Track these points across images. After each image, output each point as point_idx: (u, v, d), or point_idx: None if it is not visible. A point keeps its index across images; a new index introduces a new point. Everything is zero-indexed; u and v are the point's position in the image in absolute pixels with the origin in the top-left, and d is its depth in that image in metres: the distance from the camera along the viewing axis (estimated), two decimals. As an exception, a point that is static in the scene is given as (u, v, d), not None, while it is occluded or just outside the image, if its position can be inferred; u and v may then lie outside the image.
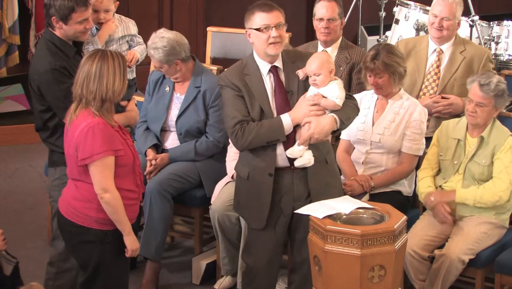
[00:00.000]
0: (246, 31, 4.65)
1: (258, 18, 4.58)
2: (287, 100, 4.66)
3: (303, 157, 4.62)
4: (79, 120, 4.33)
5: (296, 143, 4.61)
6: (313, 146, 4.64)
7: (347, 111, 4.65)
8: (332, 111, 4.62)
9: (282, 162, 4.67)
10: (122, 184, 4.37)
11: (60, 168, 4.83)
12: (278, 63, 4.68)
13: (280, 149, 4.66)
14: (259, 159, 4.66)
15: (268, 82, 4.66)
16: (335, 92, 4.60)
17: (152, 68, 6.37)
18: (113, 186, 4.32)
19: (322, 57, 4.65)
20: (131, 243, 4.42)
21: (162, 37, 5.59)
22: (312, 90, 4.64)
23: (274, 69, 4.67)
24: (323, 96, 4.60)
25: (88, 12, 4.75)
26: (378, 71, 5.23)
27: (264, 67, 4.67)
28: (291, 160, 4.66)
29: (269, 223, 4.73)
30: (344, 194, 5.09)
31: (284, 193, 4.70)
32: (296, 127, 4.63)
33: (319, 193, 4.70)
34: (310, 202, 4.66)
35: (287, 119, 4.60)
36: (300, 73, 4.65)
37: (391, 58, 5.22)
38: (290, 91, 4.67)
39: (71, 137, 4.37)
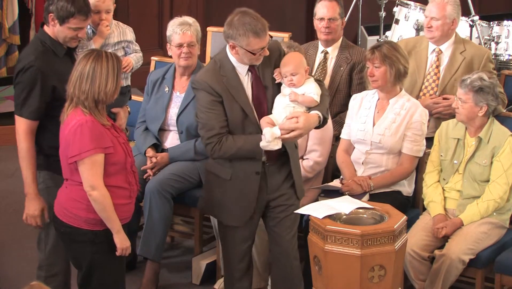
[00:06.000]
0: (230, 44, 4.58)
1: (253, 43, 4.53)
2: (264, 94, 4.68)
3: (272, 142, 4.54)
4: (70, 118, 4.34)
5: (277, 126, 4.56)
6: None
7: (325, 102, 4.69)
8: (311, 107, 4.64)
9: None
10: (112, 181, 4.35)
11: (43, 172, 4.79)
12: None
13: None
14: (245, 160, 4.66)
15: (248, 80, 4.67)
16: (312, 89, 4.63)
17: (151, 68, 6.37)
18: (101, 184, 4.30)
19: (297, 58, 4.69)
20: (121, 241, 4.39)
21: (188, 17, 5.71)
22: (286, 91, 4.66)
23: (252, 67, 4.68)
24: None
25: (86, 23, 4.74)
26: (376, 61, 5.22)
27: (242, 66, 4.66)
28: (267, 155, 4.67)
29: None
30: (343, 194, 5.11)
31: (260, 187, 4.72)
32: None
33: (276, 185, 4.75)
34: (281, 192, 4.73)
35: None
36: (278, 76, 4.66)
37: (391, 52, 5.23)
38: (265, 86, 4.70)
39: (63, 136, 4.38)
